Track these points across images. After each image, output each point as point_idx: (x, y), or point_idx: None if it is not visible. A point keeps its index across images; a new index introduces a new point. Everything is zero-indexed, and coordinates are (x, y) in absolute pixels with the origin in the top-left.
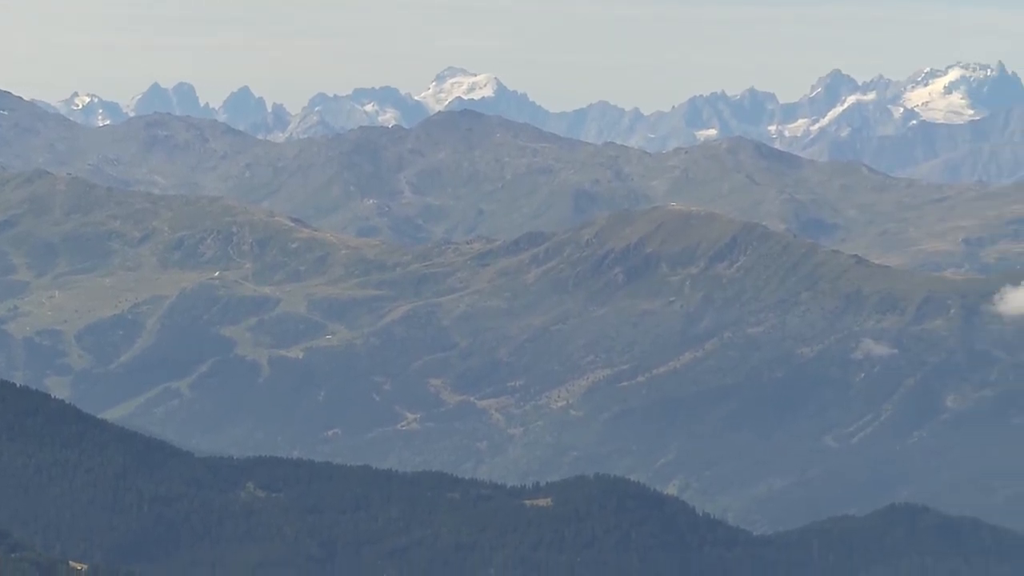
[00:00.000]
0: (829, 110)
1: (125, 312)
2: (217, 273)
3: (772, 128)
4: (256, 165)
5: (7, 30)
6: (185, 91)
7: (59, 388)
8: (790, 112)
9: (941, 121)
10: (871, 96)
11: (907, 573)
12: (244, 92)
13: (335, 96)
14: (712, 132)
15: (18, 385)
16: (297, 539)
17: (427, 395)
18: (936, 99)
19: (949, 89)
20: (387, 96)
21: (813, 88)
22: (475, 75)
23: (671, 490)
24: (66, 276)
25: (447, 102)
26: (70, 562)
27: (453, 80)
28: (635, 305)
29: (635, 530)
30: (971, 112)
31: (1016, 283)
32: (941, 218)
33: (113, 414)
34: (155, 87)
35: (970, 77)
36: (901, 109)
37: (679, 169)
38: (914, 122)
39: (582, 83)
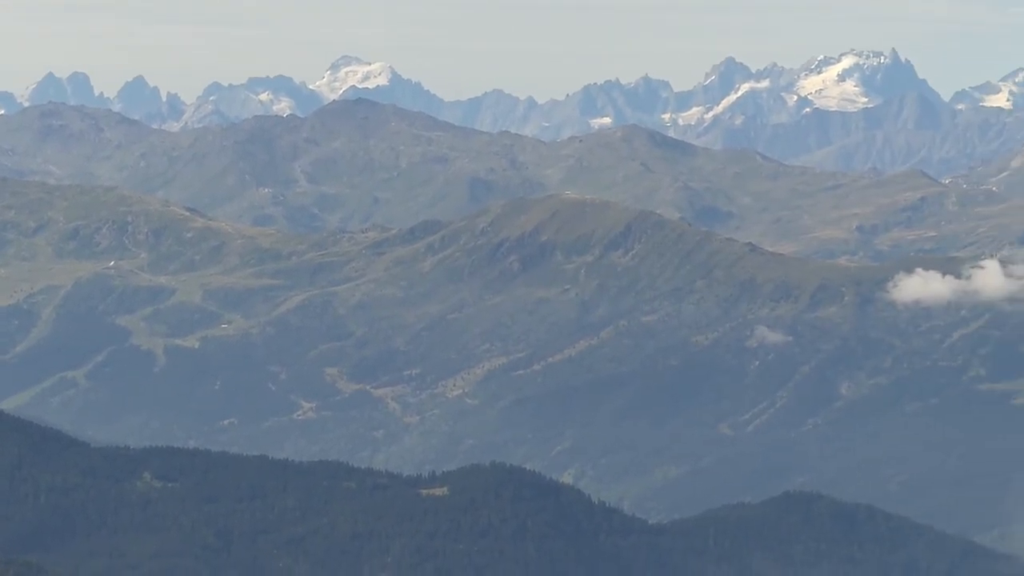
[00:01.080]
0: (723, 98)
1: (20, 302)
2: (112, 263)
3: (666, 116)
4: (151, 155)
5: None
6: (80, 80)
7: None
8: (684, 100)
9: (835, 109)
10: (765, 84)
11: (801, 560)
12: (139, 81)
13: (230, 85)
14: (606, 120)
15: None
16: (193, 529)
17: (323, 384)
18: (830, 87)
19: (843, 76)
20: (282, 85)
21: (707, 76)
22: (369, 64)
23: (567, 478)
24: None
25: (342, 91)
26: None
27: (347, 69)
28: (530, 293)
29: (531, 519)
30: (865, 99)
31: (910, 270)
32: (835, 205)
33: (8, 404)
34: (49, 76)
35: (863, 64)
36: (795, 97)
37: (573, 158)
38: (808, 110)
39: (476, 72)
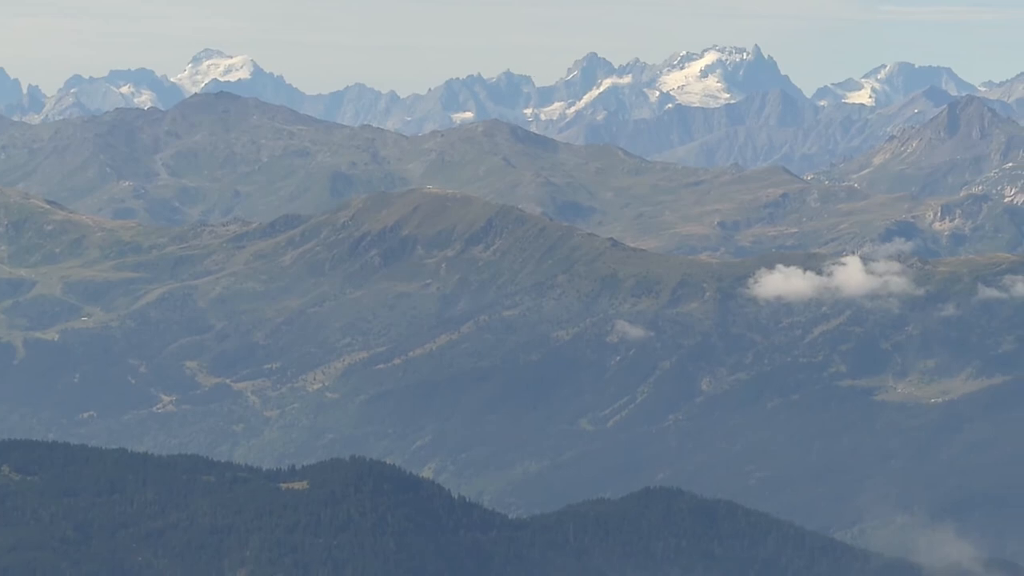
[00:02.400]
0: (585, 93)
1: None
2: None
3: (528, 111)
4: (11, 147)
5: None
6: None
7: None
8: (546, 95)
9: (697, 105)
10: (627, 80)
11: (662, 556)
12: None
13: (91, 78)
14: (468, 115)
15: None
16: (52, 522)
17: (183, 377)
18: (692, 83)
19: (705, 73)
20: (143, 78)
21: (569, 71)
22: (231, 57)
23: (427, 473)
24: None
25: (203, 84)
26: None
27: (209, 62)
28: (391, 287)
29: (391, 513)
30: (727, 96)
31: (771, 266)
32: (697, 202)
33: None
34: None
35: (726, 61)
36: (657, 92)
37: (435, 152)
38: (670, 105)
39: (338, 66)
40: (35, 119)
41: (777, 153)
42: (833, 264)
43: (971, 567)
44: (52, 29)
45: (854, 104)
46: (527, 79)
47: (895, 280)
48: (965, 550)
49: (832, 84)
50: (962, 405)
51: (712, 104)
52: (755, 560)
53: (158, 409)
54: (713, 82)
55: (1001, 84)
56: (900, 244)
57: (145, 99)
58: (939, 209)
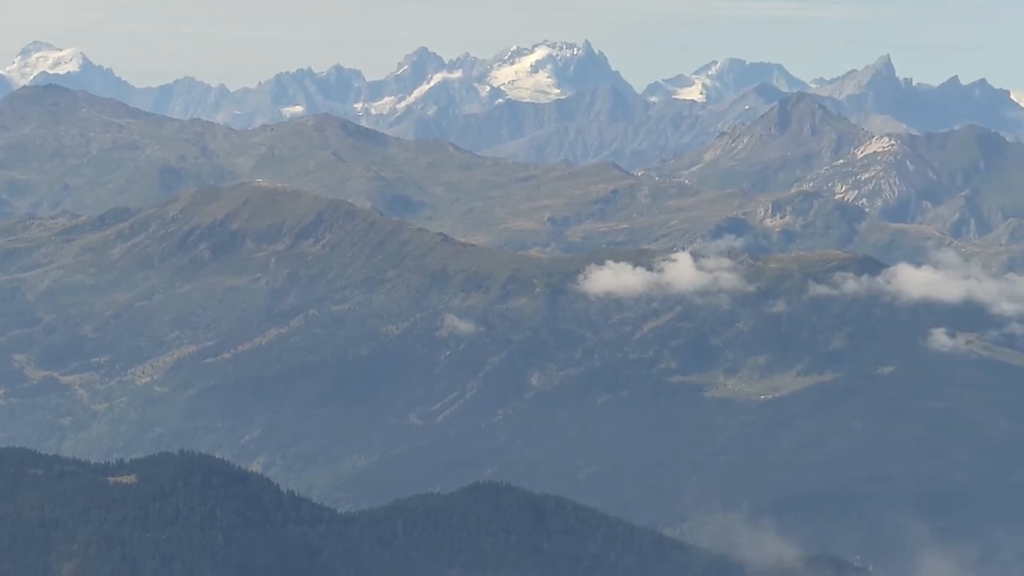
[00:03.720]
0: (415, 88)
1: None
2: None
3: (359, 106)
4: None
5: None
6: None
7: None
8: (376, 90)
9: (528, 100)
10: (457, 74)
11: (491, 551)
12: None
13: None
14: (298, 109)
15: None
16: None
17: (11, 371)
18: (523, 78)
19: (535, 68)
20: None
21: (400, 66)
22: (60, 50)
23: (256, 467)
24: None
25: (32, 77)
26: None
27: (38, 54)
28: (221, 281)
29: (220, 507)
30: (558, 91)
31: (600, 262)
32: (527, 197)
33: None
34: None
35: (556, 56)
36: (487, 87)
37: (265, 146)
38: (500, 101)
39: (168, 59)
40: None
41: (607, 149)
42: (663, 260)
43: (794, 564)
44: None
45: (685, 100)
46: (357, 73)
47: (725, 276)
48: (790, 546)
49: (663, 80)
50: (791, 402)
51: (542, 99)
52: (584, 556)
53: None
54: (543, 77)
55: (832, 81)
56: (731, 241)
57: None
58: (770, 206)
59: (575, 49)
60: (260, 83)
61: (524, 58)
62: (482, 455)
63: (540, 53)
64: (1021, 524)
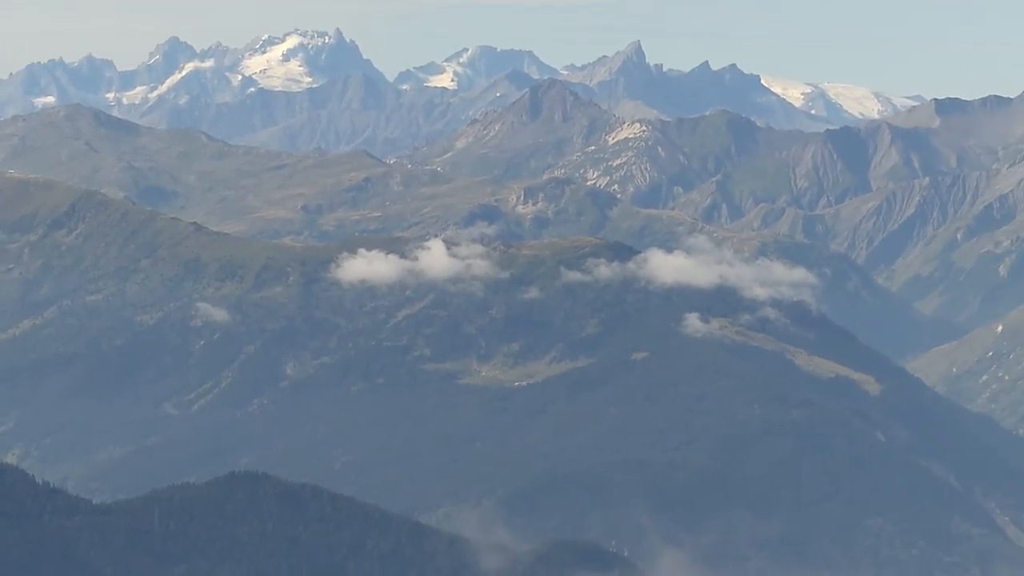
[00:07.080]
0: (167, 77)
1: None
2: None
3: (111, 95)
4: None
5: None
6: None
7: None
8: (128, 79)
9: (279, 89)
10: (209, 64)
11: (247, 540)
12: None
13: None
14: (50, 99)
15: None
16: None
17: None
18: (274, 66)
19: (287, 56)
20: None
21: (151, 55)
22: None
23: (11, 459)
24: None
25: None
26: None
27: None
28: None
29: None
30: (309, 80)
31: (353, 250)
32: (280, 185)
33: None
34: None
35: (308, 45)
36: (239, 77)
37: (17, 137)
38: (252, 89)
39: None
40: None
41: (360, 137)
42: (416, 248)
43: (553, 549)
44: None
45: (436, 88)
46: (109, 63)
47: (478, 263)
48: (547, 531)
49: (414, 68)
50: (545, 388)
51: (294, 88)
52: (341, 544)
53: None
54: (295, 66)
55: (583, 68)
56: (483, 227)
57: None
58: (522, 193)
59: (326, 38)
60: (11, 74)
61: (275, 47)
62: (238, 444)
63: (291, 42)
64: (764, 508)
